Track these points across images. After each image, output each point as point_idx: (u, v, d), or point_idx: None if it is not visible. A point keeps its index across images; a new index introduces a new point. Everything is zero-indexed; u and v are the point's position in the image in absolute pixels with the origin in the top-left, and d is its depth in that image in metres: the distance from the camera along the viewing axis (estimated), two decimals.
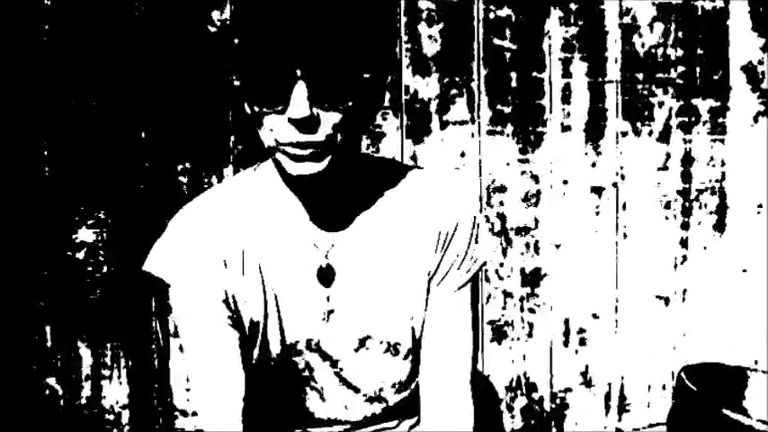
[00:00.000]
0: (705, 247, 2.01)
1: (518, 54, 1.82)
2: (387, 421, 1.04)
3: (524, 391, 1.93)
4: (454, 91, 1.79)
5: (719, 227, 2.02)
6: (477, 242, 0.97)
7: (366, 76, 0.79)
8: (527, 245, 1.88)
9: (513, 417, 1.93)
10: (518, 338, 1.90)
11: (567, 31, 1.84)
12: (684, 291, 2.01)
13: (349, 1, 0.76)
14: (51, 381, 1.67)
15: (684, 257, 2.00)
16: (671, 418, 1.75)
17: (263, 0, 0.75)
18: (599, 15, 1.86)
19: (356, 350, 0.96)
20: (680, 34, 1.93)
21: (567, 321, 1.93)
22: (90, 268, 1.64)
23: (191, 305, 0.92)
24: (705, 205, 2.00)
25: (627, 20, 1.88)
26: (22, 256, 1.62)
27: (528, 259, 1.89)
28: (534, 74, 1.83)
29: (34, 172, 1.60)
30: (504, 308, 1.88)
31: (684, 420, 1.68)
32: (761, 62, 2.00)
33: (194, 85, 1.63)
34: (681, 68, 1.93)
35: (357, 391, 0.99)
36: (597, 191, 1.91)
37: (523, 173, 1.85)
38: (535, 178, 1.86)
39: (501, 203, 1.85)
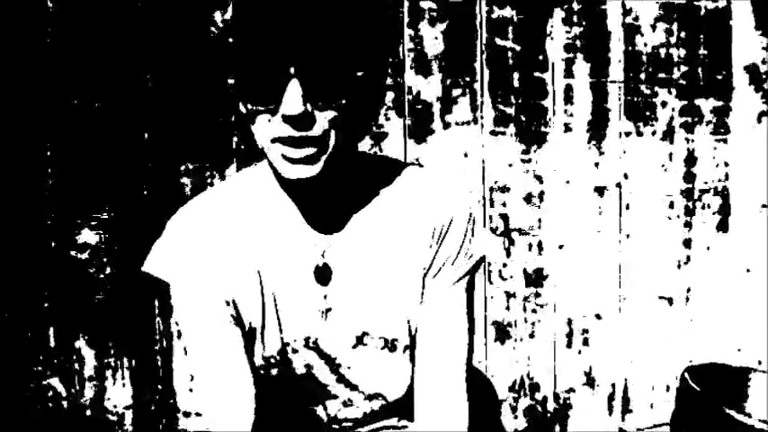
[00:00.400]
0: (708, 248, 2.01)
1: (521, 54, 1.82)
2: (387, 418, 1.04)
3: (527, 392, 1.93)
4: (457, 91, 1.79)
5: (723, 227, 2.01)
6: (472, 238, 0.97)
7: (360, 74, 0.80)
8: (530, 245, 1.88)
9: (516, 417, 1.93)
10: (521, 339, 1.90)
11: (569, 32, 1.84)
12: (688, 291, 2.01)
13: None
14: (54, 381, 1.67)
15: (688, 258, 2.00)
16: (674, 418, 1.75)
17: None
18: (601, 16, 1.86)
19: (354, 347, 0.97)
20: (683, 34, 1.92)
21: (570, 322, 1.93)
22: (93, 269, 1.65)
23: (192, 305, 0.92)
24: (708, 205, 1.99)
25: (629, 20, 1.88)
26: (25, 256, 1.62)
27: (531, 259, 1.88)
28: (537, 74, 1.83)
29: (37, 172, 1.60)
30: (507, 308, 1.88)
31: (688, 421, 1.68)
32: (764, 62, 2.00)
33: (197, 85, 1.63)
34: (684, 68, 1.93)
35: (356, 388, 1.00)
36: (600, 191, 1.91)
37: (526, 173, 1.85)
38: (538, 178, 1.86)
39: (504, 204, 1.85)
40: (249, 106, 0.80)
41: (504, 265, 1.87)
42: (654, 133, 1.93)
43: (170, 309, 1.63)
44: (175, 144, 1.65)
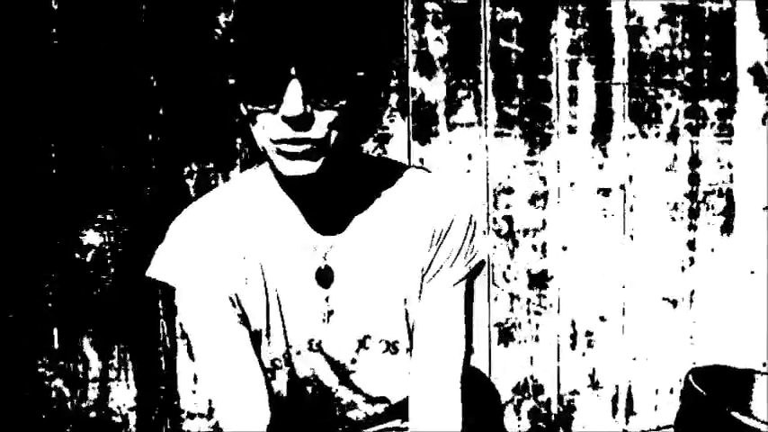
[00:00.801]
0: (713, 249, 2.01)
1: (525, 56, 1.81)
2: (390, 420, 1.04)
3: (531, 394, 1.92)
4: (461, 93, 1.79)
5: (727, 229, 2.01)
6: (472, 241, 0.96)
7: (361, 74, 0.79)
8: (534, 247, 1.88)
9: (519, 419, 1.92)
10: (525, 341, 1.90)
11: (573, 33, 1.84)
12: (692, 293, 2.01)
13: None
14: (59, 383, 1.67)
15: (692, 259, 1.99)
16: (678, 420, 1.75)
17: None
18: (606, 17, 1.86)
19: (356, 350, 0.97)
20: (687, 36, 1.92)
21: (574, 323, 1.92)
22: (97, 270, 1.65)
23: (199, 307, 0.92)
24: (712, 207, 1.99)
25: (633, 22, 1.88)
26: (29, 258, 1.62)
27: (535, 261, 1.88)
28: (541, 76, 1.83)
29: (42, 174, 1.61)
30: (510, 310, 1.88)
31: (692, 423, 1.68)
32: None
33: (201, 86, 1.63)
34: (688, 70, 1.93)
35: (359, 391, 1.00)
36: (604, 193, 1.91)
37: (530, 175, 1.85)
38: (542, 180, 1.86)
39: (508, 206, 1.85)
40: (249, 107, 0.80)
41: (508, 267, 1.87)
42: (658, 135, 1.93)
43: (174, 310, 1.63)
44: (179, 145, 1.65)
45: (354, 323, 0.96)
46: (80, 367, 1.68)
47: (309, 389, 0.99)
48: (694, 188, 1.97)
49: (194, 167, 1.66)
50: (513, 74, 1.81)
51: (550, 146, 1.85)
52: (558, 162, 1.86)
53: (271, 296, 0.93)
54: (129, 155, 1.62)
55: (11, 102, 1.58)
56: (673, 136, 1.94)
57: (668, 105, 1.93)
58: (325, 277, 0.94)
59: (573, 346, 1.93)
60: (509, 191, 1.84)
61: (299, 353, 0.96)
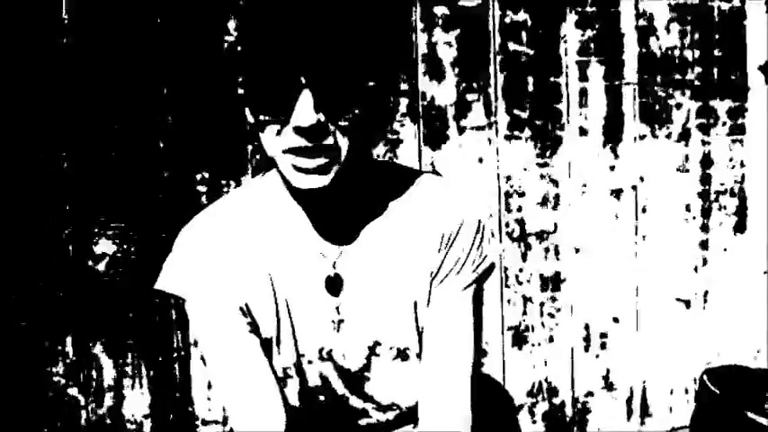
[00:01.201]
0: (725, 249, 2.00)
1: (534, 58, 1.81)
2: (400, 426, 1.04)
3: (546, 396, 1.92)
4: (471, 96, 1.79)
5: (740, 228, 2.00)
6: (480, 245, 0.96)
7: (372, 84, 0.79)
8: (546, 249, 1.87)
9: (534, 422, 1.92)
10: (539, 343, 1.90)
11: (583, 35, 1.84)
12: (705, 293, 2.00)
13: (354, 8, 0.76)
14: (73, 391, 1.68)
15: (705, 260, 1.99)
16: (694, 421, 1.74)
17: (268, 8, 0.76)
18: (615, 18, 1.86)
19: (367, 358, 0.96)
20: (696, 35, 1.91)
21: (587, 326, 1.92)
22: (110, 279, 1.65)
23: (209, 317, 0.92)
24: (725, 207, 1.98)
25: (643, 22, 1.87)
26: (43, 266, 1.63)
27: (547, 264, 1.88)
28: (551, 78, 1.83)
29: (54, 183, 1.61)
30: (524, 313, 1.88)
31: (708, 424, 1.67)
32: None
33: (212, 94, 1.64)
34: (698, 70, 1.92)
35: (371, 399, 0.99)
36: (616, 194, 1.90)
37: (542, 177, 1.85)
38: (554, 182, 1.86)
39: (519, 208, 1.84)
40: (260, 117, 0.79)
41: (521, 270, 1.87)
42: (669, 135, 1.92)
43: (187, 318, 1.63)
44: (191, 153, 1.65)
45: (365, 331, 0.95)
46: (94, 374, 1.69)
47: (321, 397, 0.98)
48: (706, 188, 1.96)
49: (206, 175, 1.67)
50: (523, 76, 1.81)
51: (561, 148, 1.85)
52: (570, 164, 1.86)
53: (280, 305, 0.93)
54: (140, 162, 1.63)
55: (24, 111, 1.59)
56: (684, 136, 1.93)
57: (679, 105, 1.92)
58: (334, 285, 0.93)
59: (587, 348, 1.93)
60: (520, 194, 1.84)
61: (310, 362, 0.95)
